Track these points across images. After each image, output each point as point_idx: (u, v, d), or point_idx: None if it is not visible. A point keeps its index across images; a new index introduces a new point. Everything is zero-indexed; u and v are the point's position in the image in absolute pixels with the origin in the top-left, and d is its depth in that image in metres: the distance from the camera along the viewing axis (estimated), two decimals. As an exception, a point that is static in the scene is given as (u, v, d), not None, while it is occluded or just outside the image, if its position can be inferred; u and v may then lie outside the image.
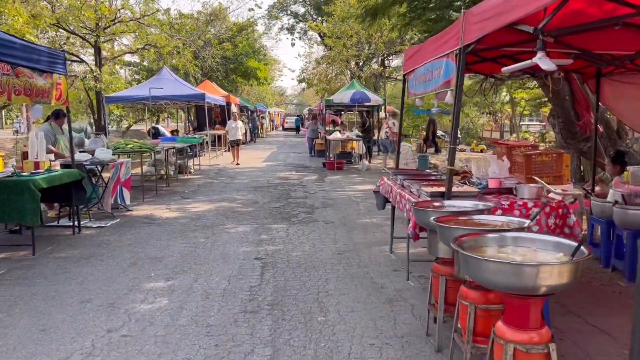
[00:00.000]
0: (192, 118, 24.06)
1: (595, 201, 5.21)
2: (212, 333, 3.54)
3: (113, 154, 8.01)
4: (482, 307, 2.79)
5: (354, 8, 17.73)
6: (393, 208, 5.62)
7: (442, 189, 3.94)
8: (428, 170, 5.76)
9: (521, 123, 30.25)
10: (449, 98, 4.00)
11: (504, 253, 2.50)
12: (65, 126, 7.76)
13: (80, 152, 8.49)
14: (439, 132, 25.99)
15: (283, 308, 4.02)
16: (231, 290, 4.40)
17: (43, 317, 3.80)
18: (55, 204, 7.28)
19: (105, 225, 6.95)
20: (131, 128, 27.36)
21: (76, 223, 6.50)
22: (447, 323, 3.42)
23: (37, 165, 5.96)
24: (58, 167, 6.26)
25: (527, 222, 2.87)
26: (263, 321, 3.76)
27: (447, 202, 3.58)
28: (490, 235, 2.61)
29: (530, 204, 3.88)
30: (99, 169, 7.63)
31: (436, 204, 3.56)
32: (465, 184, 4.48)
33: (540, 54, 2.66)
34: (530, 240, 2.61)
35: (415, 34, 23.34)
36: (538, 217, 3.69)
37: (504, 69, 3.03)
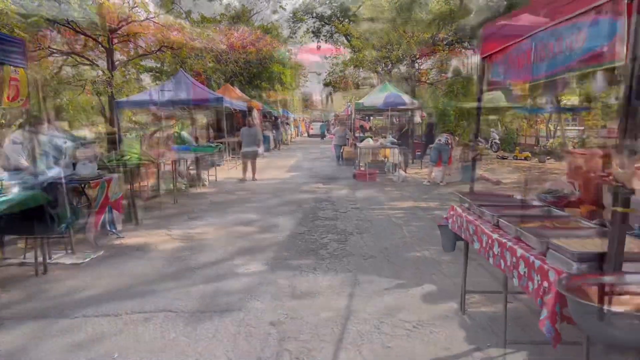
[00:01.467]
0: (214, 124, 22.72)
1: None
2: None
3: (100, 169, 6.51)
4: None
5: (387, 1, 16.09)
6: (466, 246, 3.93)
7: (593, 247, 2.22)
8: (521, 197, 4.02)
9: (557, 127, 27.70)
10: (601, 84, 2.29)
11: None
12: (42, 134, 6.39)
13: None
14: (476, 138, 23.94)
15: None
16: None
17: None
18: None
19: (83, 262, 5.43)
20: (155, 135, 26.20)
21: (40, 259, 5.01)
22: None
23: (-18, 187, 4.48)
24: (16, 189, 4.76)
25: None
26: None
27: (629, 278, 1.86)
28: None
29: None
30: (82, 187, 6.14)
31: (607, 279, 1.85)
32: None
33: None
34: None
35: (447, 35, 21.58)
36: None
37: None
